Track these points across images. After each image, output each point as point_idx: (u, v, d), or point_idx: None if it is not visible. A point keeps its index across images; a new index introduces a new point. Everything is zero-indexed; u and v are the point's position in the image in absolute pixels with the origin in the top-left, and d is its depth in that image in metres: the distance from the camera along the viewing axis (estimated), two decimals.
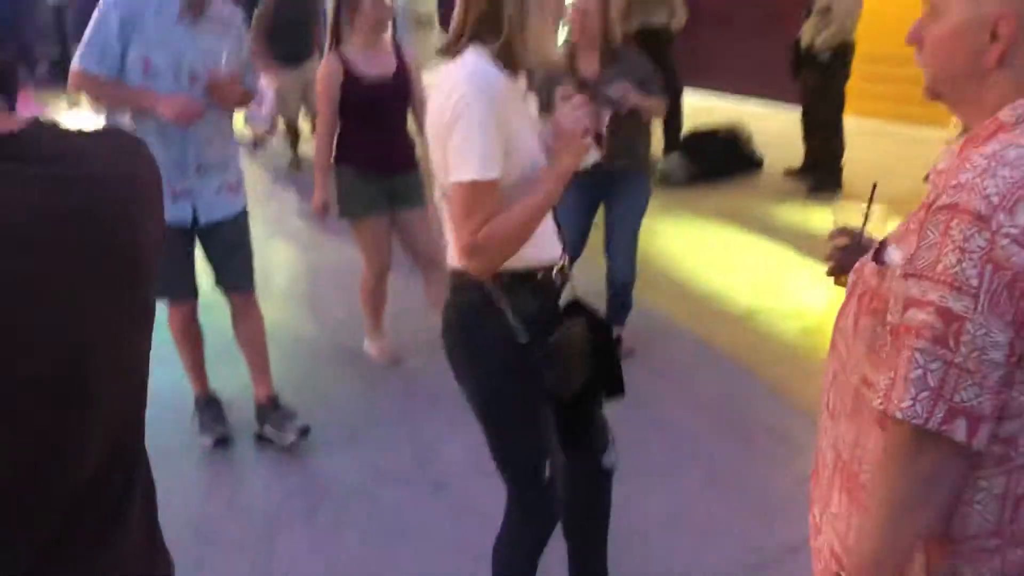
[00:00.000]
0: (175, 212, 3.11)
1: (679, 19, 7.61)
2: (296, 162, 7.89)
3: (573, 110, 1.86)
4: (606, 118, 2.20)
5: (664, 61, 7.49)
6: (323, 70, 3.70)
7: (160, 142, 3.00)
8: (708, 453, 3.36)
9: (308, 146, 8.06)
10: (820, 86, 6.46)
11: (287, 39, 7.19)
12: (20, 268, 0.90)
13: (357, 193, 3.78)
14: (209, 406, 3.56)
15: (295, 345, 4.36)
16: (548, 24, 1.88)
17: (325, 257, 5.75)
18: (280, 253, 5.78)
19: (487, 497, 2.29)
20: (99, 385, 1.00)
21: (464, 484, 3.14)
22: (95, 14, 2.96)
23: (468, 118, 1.77)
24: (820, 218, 6.05)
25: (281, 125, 7.89)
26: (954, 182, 1.00)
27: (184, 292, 3.30)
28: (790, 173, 7.04)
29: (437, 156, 1.90)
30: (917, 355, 1.01)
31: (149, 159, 1.09)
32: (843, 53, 6.30)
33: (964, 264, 0.97)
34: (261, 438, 3.48)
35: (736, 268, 5.28)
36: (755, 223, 6.04)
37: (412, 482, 3.22)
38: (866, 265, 1.19)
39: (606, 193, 3.81)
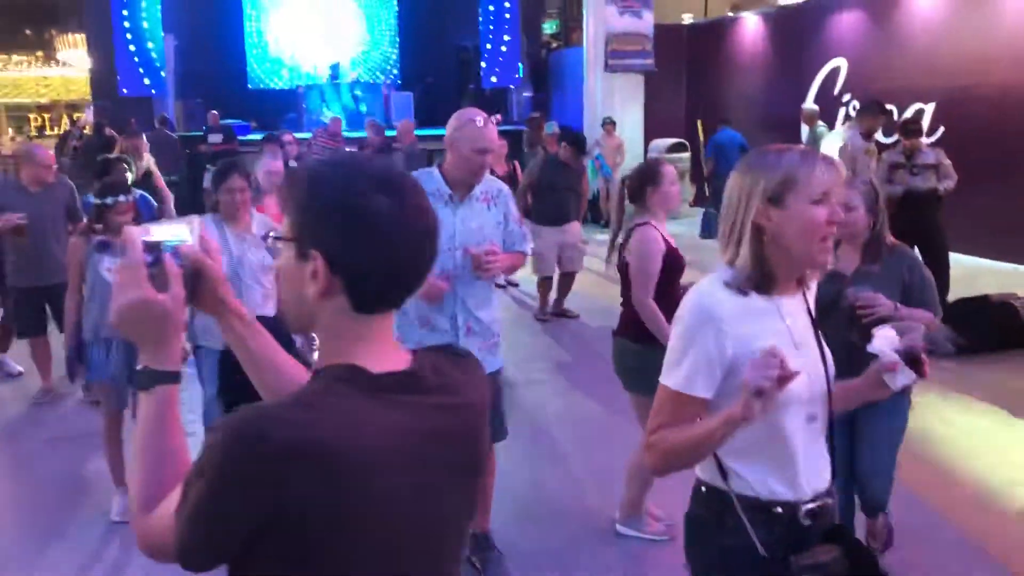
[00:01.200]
0: None
1: (948, 183, 7.29)
2: (545, 313, 8.19)
3: (764, 365, 1.71)
4: (919, 338, 1.97)
5: (929, 225, 7.17)
6: (647, 236, 3.73)
7: (432, 308, 3.34)
8: None
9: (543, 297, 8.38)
10: None
11: (549, 202, 7.88)
12: (416, 481, 1.17)
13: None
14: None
15: (527, 498, 4.41)
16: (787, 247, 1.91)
17: (570, 407, 5.85)
18: (524, 400, 5.93)
19: None
20: (450, 566, 1.31)
21: None
22: None
23: (680, 334, 1.95)
24: None
25: (533, 276, 8.23)
26: None
27: None
28: None
29: None
30: None
31: (484, 375, 1.38)
32: None
33: None
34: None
35: (1012, 457, 4.78)
36: None
37: None
38: None
39: (864, 411, 3.46)
